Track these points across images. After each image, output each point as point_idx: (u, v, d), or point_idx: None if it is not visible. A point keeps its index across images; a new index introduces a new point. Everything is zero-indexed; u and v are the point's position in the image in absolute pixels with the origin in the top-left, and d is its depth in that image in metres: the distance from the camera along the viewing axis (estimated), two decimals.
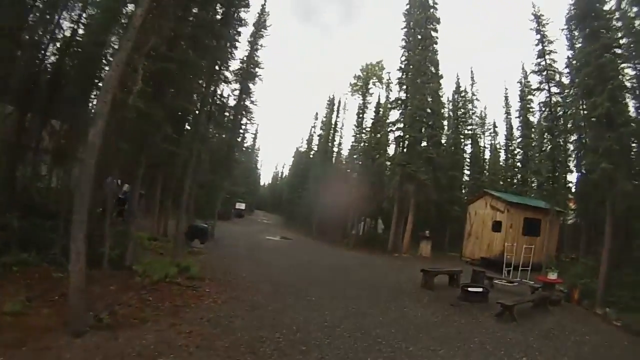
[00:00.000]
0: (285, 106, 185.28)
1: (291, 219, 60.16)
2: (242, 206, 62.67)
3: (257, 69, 29.03)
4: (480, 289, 14.70)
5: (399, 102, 34.80)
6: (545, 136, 25.78)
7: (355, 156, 44.49)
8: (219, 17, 16.12)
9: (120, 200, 21.66)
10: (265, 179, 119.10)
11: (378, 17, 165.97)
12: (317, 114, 59.75)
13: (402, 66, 34.80)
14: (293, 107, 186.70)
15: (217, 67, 23.04)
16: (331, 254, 28.13)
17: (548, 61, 26.00)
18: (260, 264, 18.42)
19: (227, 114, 28.68)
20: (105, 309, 8.57)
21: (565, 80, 24.28)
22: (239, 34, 22.97)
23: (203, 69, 14.58)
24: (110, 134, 11.65)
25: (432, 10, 33.74)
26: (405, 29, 35.04)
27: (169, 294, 10.83)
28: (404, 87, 34.50)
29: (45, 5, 13.22)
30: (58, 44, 14.07)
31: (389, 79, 43.83)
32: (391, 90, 42.69)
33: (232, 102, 28.66)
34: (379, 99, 44.89)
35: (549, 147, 24.96)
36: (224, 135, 29.07)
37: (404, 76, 34.66)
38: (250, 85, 28.84)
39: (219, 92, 25.19)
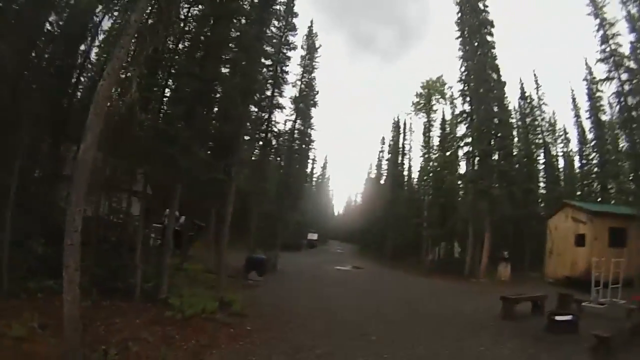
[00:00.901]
0: (352, 134, 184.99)
1: (365, 247, 58.74)
2: (315, 236, 61.95)
3: (313, 93, 28.38)
4: (569, 317, 12.35)
5: (464, 115, 32.94)
6: (620, 132, 22.92)
7: (425, 177, 42.58)
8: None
9: (177, 233, 21.40)
10: (339, 208, 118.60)
11: (437, 35, 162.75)
12: (383, 138, 58.71)
13: (463, 77, 32.98)
14: (360, 134, 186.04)
15: (269, 93, 22.89)
16: (403, 283, 26.18)
17: (613, 46, 23.27)
18: (319, 298, 16.95)
19: (296, 144, 28.25)
20: (119, 344, 7.73)
21: (634, 65, 21.75)
22: (288, 58, 22.70)
23: (237, 87, 13.81)
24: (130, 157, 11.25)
25: (484, 14, 31.83)
26: (460, 38, 33.29)
27: (200, 331, 9.69)
28: (468, 98, 32.65)
29: (70, 36, 13.06)
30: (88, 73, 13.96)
31: (452, 94, 42.22)
32: (455, 106, 40.95)
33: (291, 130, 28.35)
34: (443, 115, 43.26)
35: (627, 144, 22.32)
36: (282, 163, 28.50)
37: (465, 87, 32.80)
38: (308, 110, 28.20)
39: (274, 118, 24.72)
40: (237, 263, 20.80)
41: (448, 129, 41.07)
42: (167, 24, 9.41)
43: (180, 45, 12.68)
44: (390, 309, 15.36)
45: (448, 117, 42.26)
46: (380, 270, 35.05)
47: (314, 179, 69.67)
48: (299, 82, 28.31)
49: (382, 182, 58.81)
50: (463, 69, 33.07)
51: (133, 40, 7.92)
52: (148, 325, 9.38)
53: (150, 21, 9.41)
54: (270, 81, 22.92)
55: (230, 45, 13.54)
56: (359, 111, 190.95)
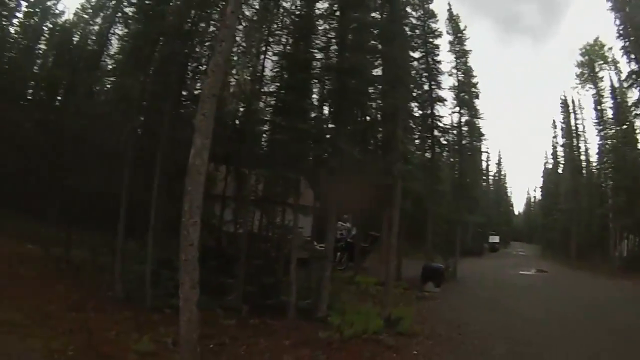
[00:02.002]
0: (521, 125, 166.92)
1: (548, 247, 52.63)
2: (496, 239, 57.47)
3: (472, 81, 25.63)
4: None
5: (632, 76, 27.71)
6: None
7: (604, 159, 36.71)
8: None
9: (349, 245, 20.79)
10: (518, 207, 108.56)
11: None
12: (554, 121, 51.07)
13: (621, 32, 27.77)
14: (530, 122, 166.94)
15: (427, 87, 21.66)
16: (589, 287, 22.64)
17: None
18: (501, 310, 14.78)
19: (465, 139, 25.95)
20: None
21: None
22: (436, 47, 21.64)
23: (388, 80, 12.89)
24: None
25: None
26: None
27: (356, 355, 8.52)
28: (632, 55, 27.30)
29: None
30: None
31: (613, 56, 35.18)
32: (620, 71, 34.09)
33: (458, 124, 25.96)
34: (611, 82, 36.18)
35: None
36: (454, 161, 26.23)
37: (626, 43, 27.44)
38: (471, 101, 25.54)
39: (437, 113, 22.87)
40: (414, 273, 19.56)
41: (619, 97, 34.54)
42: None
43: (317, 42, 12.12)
44: (579, 325, 12.70)
45: (617, 83, 35.38)
46: (564, 273, 31.45)
47: (491, 177, 64.86)
48: (454, 71, 25.60)
49: (559, 171, 51.70)
50: (618, 22, 28.05)
51: None
52: (296, 347, 8.58)
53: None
54: (424, 74, 21.47)
55: (370, 36, 12.79)
56: (523, 98, 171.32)
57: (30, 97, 23.06)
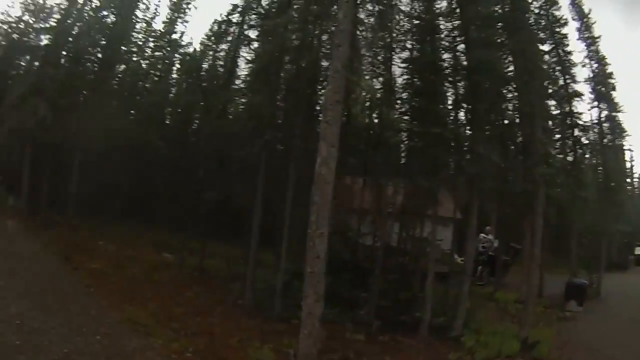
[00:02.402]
0: None
1: None
2: None
3: (607, 71, 22.90)
4: None
5: None
6: None
7: None
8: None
9: (490, 258, 19.69)
10: None
11: None
12: None
13: None
14: None
15: (562, 82, 19.62)
16: None
17: None
18: None
19: (607, 138, 23.50)
20: None
21: None
22: (564, 36, 19.47)
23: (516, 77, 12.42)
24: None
25: None
26: None
27: None
28: None
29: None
30: None
31: None
32: None
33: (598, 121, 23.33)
34: None
35: None
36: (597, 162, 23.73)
37: None
38: (608, 93, 22.87)
39: (575, 110, 20.73)
40: (556, 289, 17.85)
41: None
42: None
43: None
44: None
45: None
46: None
47: (636, 179, 57.90)
48: (587, 61, 23.07)
49: None
50: None
51: None
52: None
53: None
54: (557, 67, 19.67)
55: (494, 31, 12.38)
56: None
57: (168, 122, 25.59)
